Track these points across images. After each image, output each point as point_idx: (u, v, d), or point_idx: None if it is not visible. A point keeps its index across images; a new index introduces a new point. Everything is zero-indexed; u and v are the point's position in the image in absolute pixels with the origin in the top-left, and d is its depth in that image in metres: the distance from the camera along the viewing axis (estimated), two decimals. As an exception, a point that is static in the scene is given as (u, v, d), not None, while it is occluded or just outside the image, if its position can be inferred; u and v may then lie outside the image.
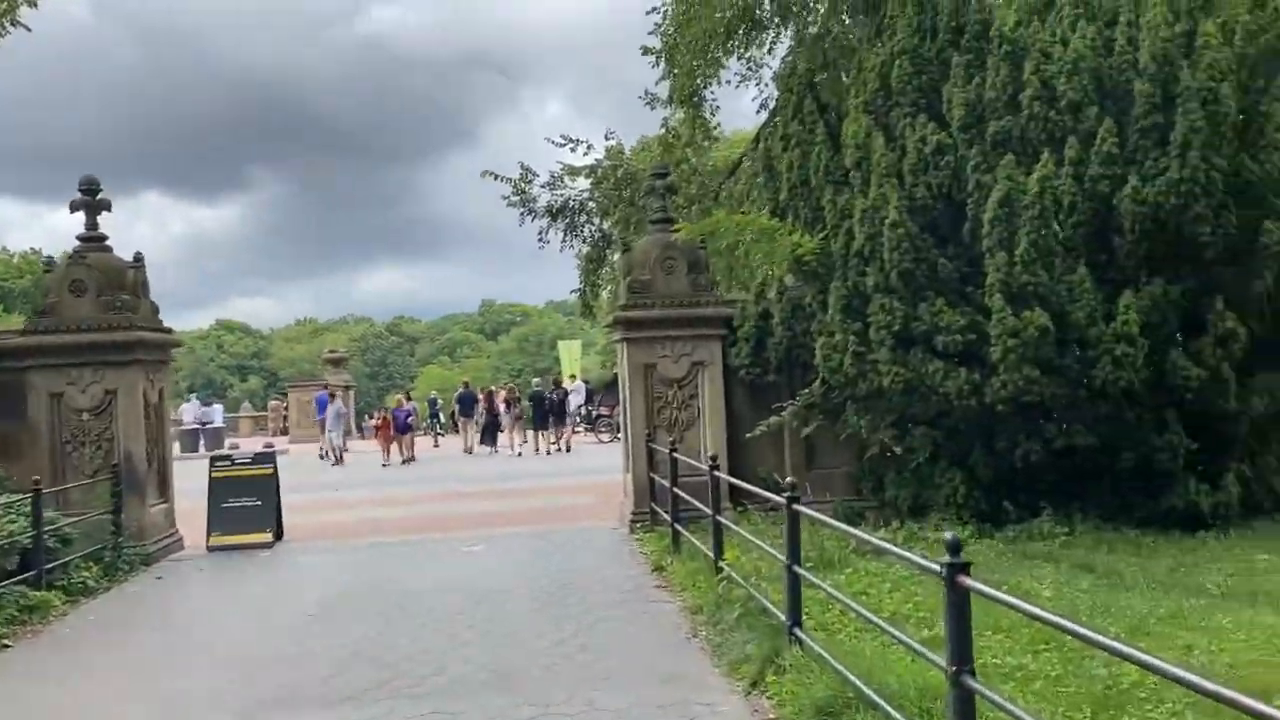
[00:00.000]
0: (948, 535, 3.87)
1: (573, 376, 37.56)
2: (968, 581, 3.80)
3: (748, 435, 11.88)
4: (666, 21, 19.25)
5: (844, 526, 5.55)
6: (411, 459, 24.66)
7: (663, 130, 21.76)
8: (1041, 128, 10.04)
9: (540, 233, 22.23)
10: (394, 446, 24.70)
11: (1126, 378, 9.49)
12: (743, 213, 14.47)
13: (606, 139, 23.43)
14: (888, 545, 4.49)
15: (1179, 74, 9.54)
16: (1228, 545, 9.60)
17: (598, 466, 19.76)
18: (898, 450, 11.49)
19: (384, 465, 24.14)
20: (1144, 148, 9.65)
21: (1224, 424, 10.36)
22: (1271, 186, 9.72)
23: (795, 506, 6.01)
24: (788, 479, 6.13)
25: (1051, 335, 9.46)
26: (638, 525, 11.98)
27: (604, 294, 25.05)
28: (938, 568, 3.90)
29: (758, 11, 17.15)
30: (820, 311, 11.28)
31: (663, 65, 19.46)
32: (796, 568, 5.97)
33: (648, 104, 21.24)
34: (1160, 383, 9.93)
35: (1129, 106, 9.89)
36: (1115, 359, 9.44)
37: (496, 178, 21.18)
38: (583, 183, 22.22)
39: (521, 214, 21.90)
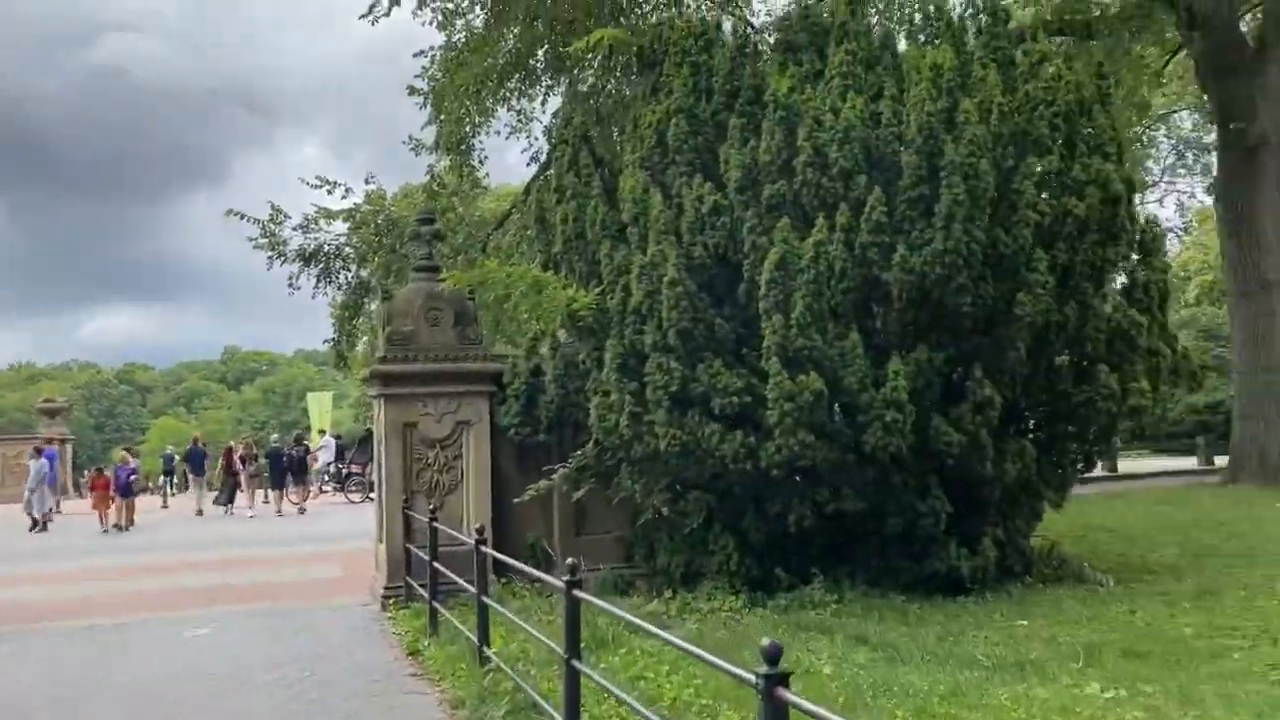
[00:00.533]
0: (766, 642, 3.31)
1: (321, 431, 35.47)
2: (787, 696, 3.26)
3: (516, 500, 11.14)
4: (434, 66, 18.59)
5: (639, 622, 4.90)
6: (130, 524, 22.12)
7: (428, 177, 20.97)
8: (814, 193, 10.05)
9: (291, 278, 20.79)
10: (113, 509, 22.07)
11: (895, 443, 9.52)
12: (512, 265, 13.88)
13: (367, 183, 22.39)
14: (698, 651, 3.88)
15: (943, 148, 9.80)
16: (988, 610, 9.75)
17: (347, 531, 18.34)
18: (667, 513, 11.11)
19: (102, 531, 21.53)
20: (911, 218, 9.82)
21: (981, 489, 10.62)
22: (1023, 260, 10.12)
23: (576, 593, 5.35)
24: (567, 560, 5.47)
25: (825, 400, 9.37)
26: (391, 601, 10.92)
27: (360, 344, 23.73)
28: (753, 678, 3.34)
29: (531, 62, 16.77)
30: (595, 369, 10.79)
31: (429, 109, 18.75)
32: (577, 663, 5.28)
33: (412, 149, 20.43)
34: (923, 448, 10.05)
35: (896, 177, 10.07)
36: (885, 424, 9.45)
37: (243, 217, 19.63)
38: (340, 227, 21.05)
39: (270, 257, 20.43)
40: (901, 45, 12.51)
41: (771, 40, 13.67)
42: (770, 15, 17.17)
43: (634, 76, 13.82)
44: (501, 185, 31.67)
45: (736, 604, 10.05)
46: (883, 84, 10.86)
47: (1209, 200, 43.12)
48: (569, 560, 5.45)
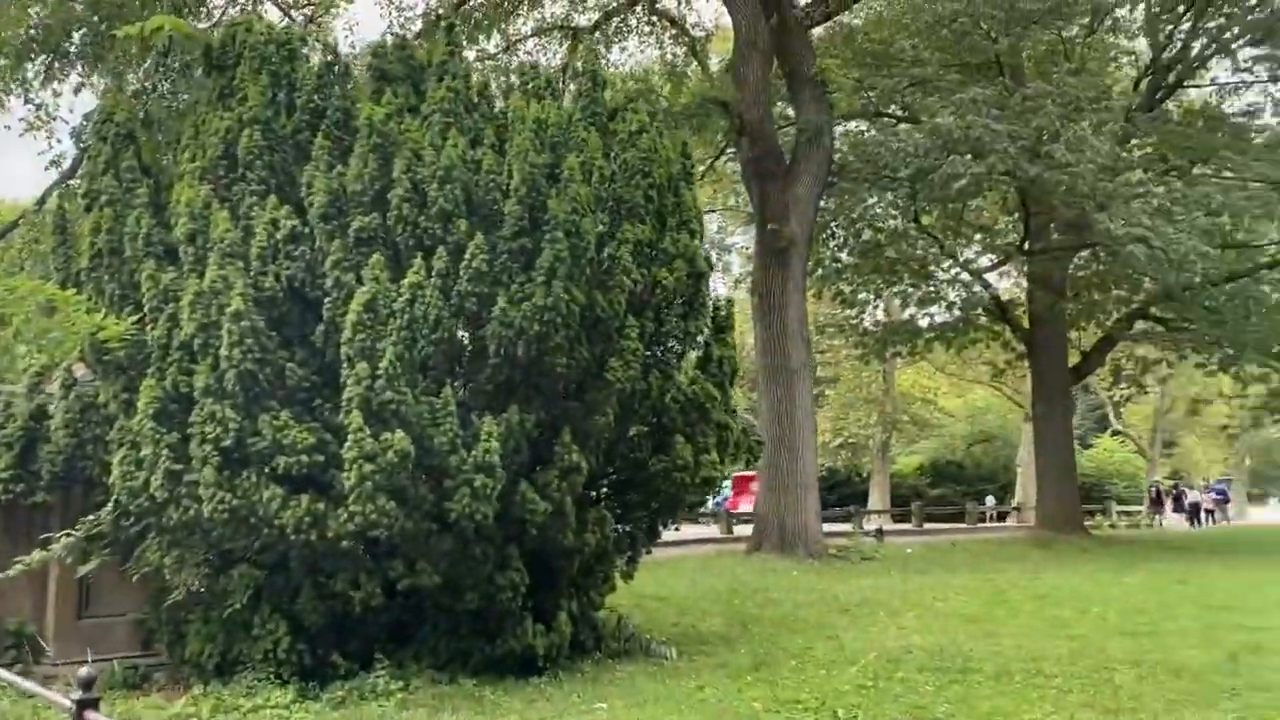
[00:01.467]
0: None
1: None
2: None
3: (-2, 576, 8.73)
4: (-75, 33, 15.03)
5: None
6: None
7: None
8: (410, 232, 9.12)
9: None
10: None
11: (483, 511, 8.72)
12: (15, 281, 11.25)
13: None
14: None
15: (547, 202, 9.35)
16: (564, 693, 9.17)
17: None
18: (202, 591, 9.31)
19: None
20: (511, 270, 9.21)
21: (560, 560, 10.14)
22: (617, 325, 9.92)
23: (90, 716, 3.85)
24: (80, 671, 3.96)
25: (410, 461, 8.34)
26: None
27: None
28: None
29: (64, 45, 14.08)
30: (123, 415, 8.82)
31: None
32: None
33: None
34: (506, 516, 9.35)
35: (496, 226, 9.43)
36: (474, 490, 8.62)
37: None
38: None
39: None
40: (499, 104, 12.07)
41: (360, 66, 12.61)
42: (354, 47, 16.03)
43: (196, 79, 11.97)
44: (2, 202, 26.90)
45: (284, 698, 8.56)
46: (481, 130, 10.28)
47: (728, 293, 48.33)
48: (83, 672, 3.94)
